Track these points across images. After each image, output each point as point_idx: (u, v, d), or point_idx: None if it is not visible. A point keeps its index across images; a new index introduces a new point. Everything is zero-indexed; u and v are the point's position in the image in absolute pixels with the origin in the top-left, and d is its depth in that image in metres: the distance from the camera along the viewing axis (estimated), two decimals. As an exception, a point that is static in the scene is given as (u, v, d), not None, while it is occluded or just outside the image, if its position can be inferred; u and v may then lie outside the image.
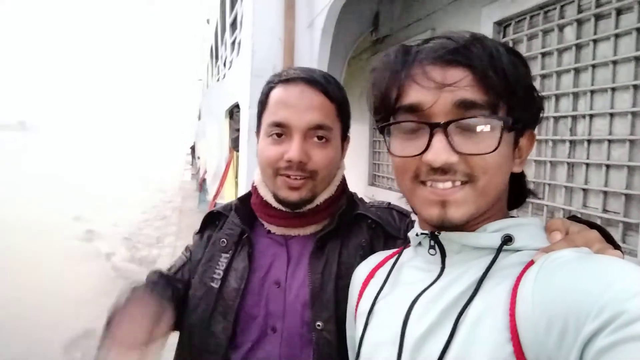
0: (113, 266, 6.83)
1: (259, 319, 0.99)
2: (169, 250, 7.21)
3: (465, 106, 0.60)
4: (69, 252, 7.34)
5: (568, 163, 2.07)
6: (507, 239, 0.63)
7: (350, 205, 1.06)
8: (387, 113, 0.67)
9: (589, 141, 1.95)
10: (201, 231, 1.16)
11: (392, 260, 0.80)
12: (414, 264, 0.74)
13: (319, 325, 0.94)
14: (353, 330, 0.83)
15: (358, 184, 4.45)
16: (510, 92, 0.61)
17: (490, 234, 0.64)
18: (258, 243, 1.06)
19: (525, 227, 0.66)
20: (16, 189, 14.80)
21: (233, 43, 5.52)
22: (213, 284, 1.03)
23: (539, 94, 0.68)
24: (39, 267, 6.34)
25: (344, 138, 1.06)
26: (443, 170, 0.61)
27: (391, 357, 0.66)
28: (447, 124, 0.60)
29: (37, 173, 20.23)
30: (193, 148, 17.23)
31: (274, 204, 1.01)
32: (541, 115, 0.69)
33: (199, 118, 12.87)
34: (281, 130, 0.96)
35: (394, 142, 0.67)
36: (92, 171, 22.55)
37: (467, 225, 0.65)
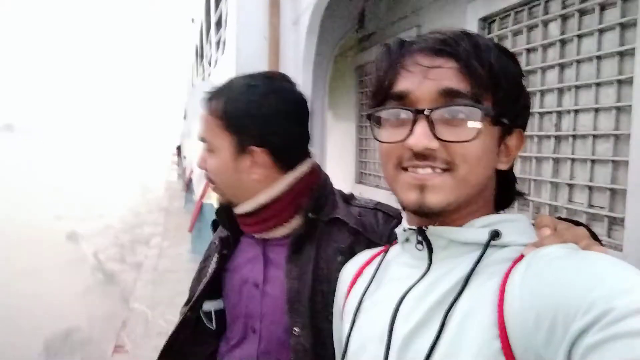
0: (98, 267, 6.76)
1: (241, 318, 1.05)
2: (155, 251, 7.14)
3: (449, 95, 0.62)
4: (52, 253, 7.24)
5: (553, 159, 2.08)
6: (495, 235, 0.63)
7: (326, 207, 1.04)
8: (380, 102, 0.69)
9: (574, 136, 1.97)
10: (214, 231, 1.25)
11: (379, 258, 0.81)
12: (401, 260, 0.75)
13: (295, 331, 0.95)
14: (340, 330, 0.83)
15: (345, 181, 4.45)
16: (495, 85, 0.63)
17: (477, 229, 0.65)
18: (243, 245, 1.11)
19: (512, 223, 0.66)
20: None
21: (218, 42, 5.48)
22: (205, 281, 1.10)
23: (527, 93, 0.69)
24: (24, 269, 6.25)
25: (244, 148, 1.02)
26: (423, 156, 0.62)
27: (378, 355, 0.66)
28: (430, 110, 0.62)
29: (21, 174, 20.00)
30: (179, 148, 17.11)
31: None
32: (529, 114, 0.71)
33: (185, 117, 12.78)
34: None
35: (382, 131, 0.69)
36: (78, 171, 22.37)
37: (454, 220, 0.66)
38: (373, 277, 0.77)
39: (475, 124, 0.62)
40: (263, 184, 1.01)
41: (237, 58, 3.58)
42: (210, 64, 6.86)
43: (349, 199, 1.09)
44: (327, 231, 1.01)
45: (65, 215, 10.30)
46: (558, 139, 2.06)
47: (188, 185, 9.93)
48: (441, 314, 0.60)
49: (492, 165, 0.67)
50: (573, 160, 1.98)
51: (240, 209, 1.03)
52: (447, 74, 0.62)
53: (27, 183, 16.84)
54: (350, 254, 0.94)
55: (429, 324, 0.61)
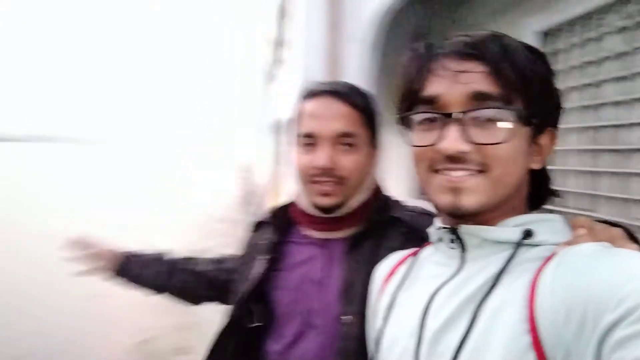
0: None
1: (297, 316, 1.06)
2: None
3: (479, 98, 0.62)
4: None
5: (612, 172, 2.02)
6: (528, 234, 0.63)
7: (385, 208, 1.09)
8: (409, 106, 0.69)
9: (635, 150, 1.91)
10: (251, 233, 1.28)
11: (412, 257, 0.82)
12: (434, 259, 0.75)
13: (345, 319, 0.97)
14: (373, 327, 0.85)
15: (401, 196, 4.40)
16: (525, 87, 0.63)
17: (510, 228, 0.65)
18: (294, 246, 1.13)
19: (546, 222, 0.66)
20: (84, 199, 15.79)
21: (279, 58, 5.69)
22: (252, 282, 1.11)
23: (558, 92, 0.69)
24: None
25: (375, 145, 1.11)
26: (456, 160, 0.63)
27: (409, 349, 0.67)
28: (462, 114, 0.62)
29: (100, 184, 21.48)
30: (244, 161, 17.61)
31: (311, 210, 1.08)
32: (560, 112, 0.71)
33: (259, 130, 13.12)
34: (311, 140, 1.03)
35: (413, 134, 0.69)
36: (148, 181, 23.55)
37: (487, 220, 0.66)
38: (405, 276, 0.78)
39: (506, 126, 0.62)
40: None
41: (297, 75, 3.71)
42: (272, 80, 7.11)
43: (399, 202, 1.15)
44: (384, 230, 1.06)
45: (140, 224, 10.85)
46: (617, 152, 2.01)
47: (251, 198, 10.16)
48: (471, 309, 0.60)
49: (525, 165, 0.67)
50: (634, 174, 1.92)
51: (351, 204, 1.06)
52: (476, 78, 0.62)
53: (106, 191, 18.07)
54: None
55: (459, 319, 0.62)
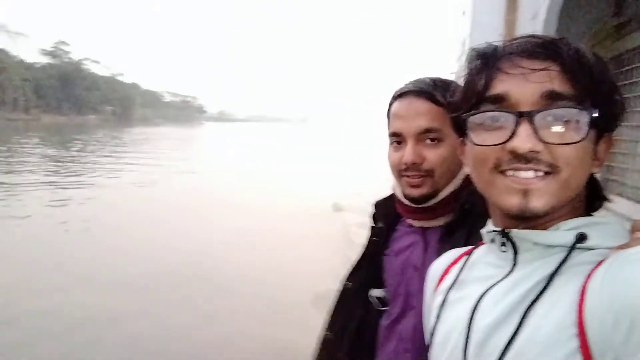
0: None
1: (401, 297, 1.18)
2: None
3: (552, 97, 0.61)
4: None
5: None
6: (581, 237, 0.61)
7: (478, 198, 1.13)
8: (472, 105, 0.68)
9: None
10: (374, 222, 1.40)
11: (465, 257, 0.82)
12: (486, 260, 0.75)
13: None
14: (427, 324, 0.85)
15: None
16: (596, 89, 0.62)
17: (563, 232, 0.63)
18: (400, 234, 1.24)
19: (602, 226, 0.64)
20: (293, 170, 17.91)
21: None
22: (361, 259, 1.28)
23: (622, 98, 0.67)
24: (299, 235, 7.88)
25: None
26: (526, 159, 0.61)
27: (458, 347, 0.68)
28: (535, 113, 0.61)
29: (309, 161, 23.96)
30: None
31: (405, 201, 1.16)
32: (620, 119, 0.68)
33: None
34: (398, 139, 1.11)
35: (474, 134, 0.67)
36: (348, 157, 25.23)
37: (540, 223, 0.64)
38: (458, 275, 0.78)
39: (581, 126, 0.60)
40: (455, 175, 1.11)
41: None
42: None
43: (477, 194, 1.17)
44: (477, 220, 1.09)
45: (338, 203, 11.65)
46: None
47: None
48: (521, 311, 0.60)
49: (590, 169, 0.65)
50: None
51: (442, 194, 1.11)
52: (549, 77, 0.61)
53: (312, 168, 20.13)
54: None
55: (508, 320, 0.61)
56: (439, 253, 1.06)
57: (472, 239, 1.02)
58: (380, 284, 1.25)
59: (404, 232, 1.23)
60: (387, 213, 1.27)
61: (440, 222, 1.14)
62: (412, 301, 1.14)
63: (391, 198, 1.28)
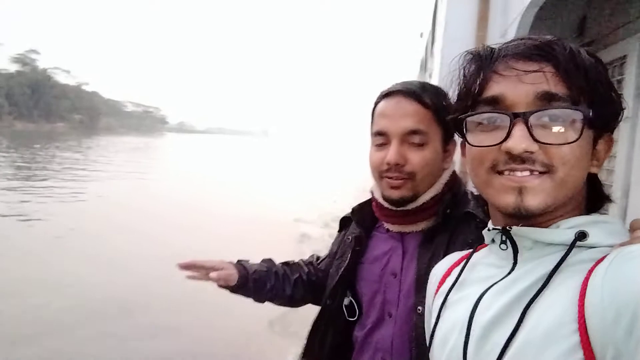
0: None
1: (377, 305, 1.14)
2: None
3: (546, 98, 0.61)
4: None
5: None
6: (581, 235, 0.62)
7: (461, 202, 1.11)
8: (467, 107, 0.69)
9: None
10: (340, 230, 1.37)
11: (466, 259, 0.82)
12: (487, 261, 0.75)
13: (419, 310, 1.02)
14: (428, 326, 0.86)
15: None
16: (592, 89, 0.62)
17: (563, 230, 0.64)
18: (377, 240, 1.21)
19: (601, 224, 0.65)
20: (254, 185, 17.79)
21: (432, 52, 5.65)
22: (340, 273, 1.22)
23: (620, 98, 0.68)
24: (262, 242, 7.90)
25: (447, 141, 1.11)
26: (521, 160, 0.62)
27: (458, 346, 0.68)
28: (529, 114, 0.62)
29: (272, 173, 24.01)
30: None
31: (384, 203, 1.13)
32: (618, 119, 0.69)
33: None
34: (382, 139, 1.08)
35: (471, 135, 0.69)
36: (311, 173, 25.45)
37: (543, 221, 0.65)
38: (459, 276, 0.78)
39: (576, 127, 0.61)
40: (438, 177, 1.10)
41: (440, 71, 3.69)
42: (430, 77, 7.09)
43: (478, 197, 1.16)
44: (458, 224, 1.06)
45: (300, 217, 11.61)
46: None
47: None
48: (521, 307, 0.60)
49: (587, 168, 0.66)
50: None
51: (423, 199, 1.08)
52: (543, 78, 0.62)
53: (273, 182, 20.15)
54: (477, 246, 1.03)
55: (507, 317, 0.62)
56: (418, 259, 1.07)
57: (454, 245, 1.03)
58: (352, 292, 1.21)
59: (381, 238, 1.20)
60: (363, 218, 1.23)
61: (419, 227, 1.11)
62: (390, 309, 1.11)
63: (368, 203, 1.25)
